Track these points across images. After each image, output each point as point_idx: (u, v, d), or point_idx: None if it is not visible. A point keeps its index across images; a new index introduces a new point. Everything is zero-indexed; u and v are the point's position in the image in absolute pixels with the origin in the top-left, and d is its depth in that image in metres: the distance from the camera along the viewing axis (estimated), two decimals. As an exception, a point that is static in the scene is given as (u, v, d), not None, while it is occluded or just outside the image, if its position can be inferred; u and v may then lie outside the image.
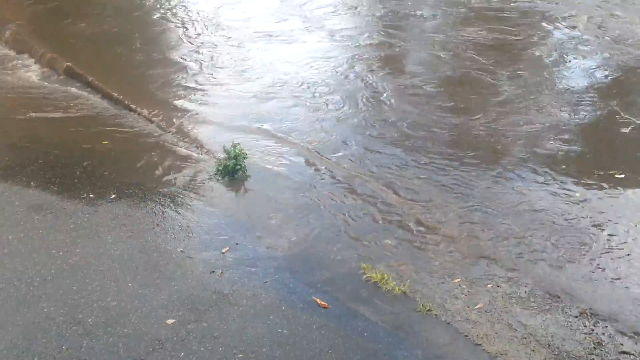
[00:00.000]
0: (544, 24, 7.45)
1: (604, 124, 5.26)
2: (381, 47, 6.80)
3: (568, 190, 4.29)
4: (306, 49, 6.86)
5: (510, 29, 7.27)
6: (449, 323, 3.21)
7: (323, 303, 3.33)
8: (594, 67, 6.33)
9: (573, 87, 5.90)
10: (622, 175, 4.48)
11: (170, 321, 3.17)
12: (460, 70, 6.21)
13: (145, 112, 5.43)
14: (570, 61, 6.46)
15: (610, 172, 4.49)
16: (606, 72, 6.21)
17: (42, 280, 3.42)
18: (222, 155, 4.59)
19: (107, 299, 3.30)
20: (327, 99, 5.64)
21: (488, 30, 7.20)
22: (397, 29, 7.38)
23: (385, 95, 5.70)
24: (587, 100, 5.61)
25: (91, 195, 4.24)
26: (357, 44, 6.90)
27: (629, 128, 5.11)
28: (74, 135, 5.09)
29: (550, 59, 6.50)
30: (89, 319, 3.16)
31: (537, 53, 6.64)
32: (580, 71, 6.25)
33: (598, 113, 5.39)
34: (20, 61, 6.61)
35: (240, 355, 2.98)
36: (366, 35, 7.18)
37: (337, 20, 7.69)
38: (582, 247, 3.73)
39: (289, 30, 7.36)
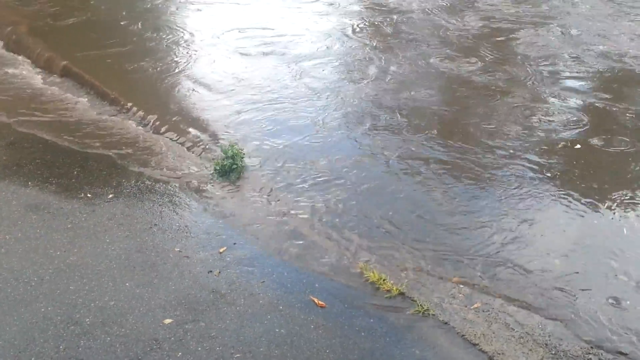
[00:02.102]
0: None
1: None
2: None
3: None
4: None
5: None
6: (446, 323, 3.21)
7: (320, 302, 3.33)
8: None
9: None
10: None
11: (167, 321, 3.18)
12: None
13: (140, 111, 5.41)
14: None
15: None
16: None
17: (39, 280, 3.42)
18: (220, 155, 4.59)
19: (105, 299, 3.30)
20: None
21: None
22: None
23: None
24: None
25: (88, 195, 4.24)
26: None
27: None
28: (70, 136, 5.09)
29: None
30: (87, 318, 3.16)
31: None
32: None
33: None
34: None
35: (238, 355, 2.98)
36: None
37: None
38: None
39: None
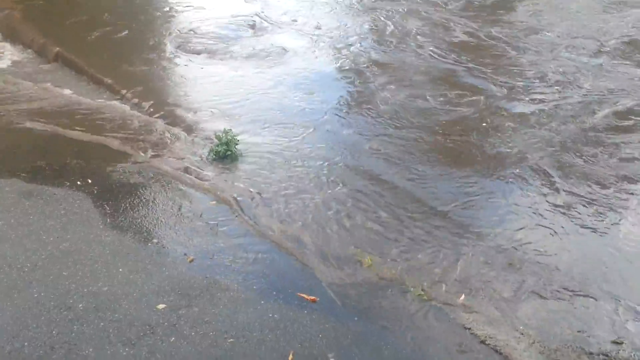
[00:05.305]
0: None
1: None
2: None
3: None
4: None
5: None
6: (439, 307, 3.23)
7: (310, 297, 3.28)
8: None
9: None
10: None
11: (161, 306, 3.18)
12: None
13: (134, 98, 5.37)
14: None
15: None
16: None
17: (32, 266, 3.41)
18: (214, 141, 4.57)
19: (98, 285, 3.30)
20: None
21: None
22: None
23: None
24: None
25: (82, 181, 4.22)
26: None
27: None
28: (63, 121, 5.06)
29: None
30: (80, 304, 3.16)
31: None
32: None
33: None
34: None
35: (231, 339, 2.99)
36: None
37: None
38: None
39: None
